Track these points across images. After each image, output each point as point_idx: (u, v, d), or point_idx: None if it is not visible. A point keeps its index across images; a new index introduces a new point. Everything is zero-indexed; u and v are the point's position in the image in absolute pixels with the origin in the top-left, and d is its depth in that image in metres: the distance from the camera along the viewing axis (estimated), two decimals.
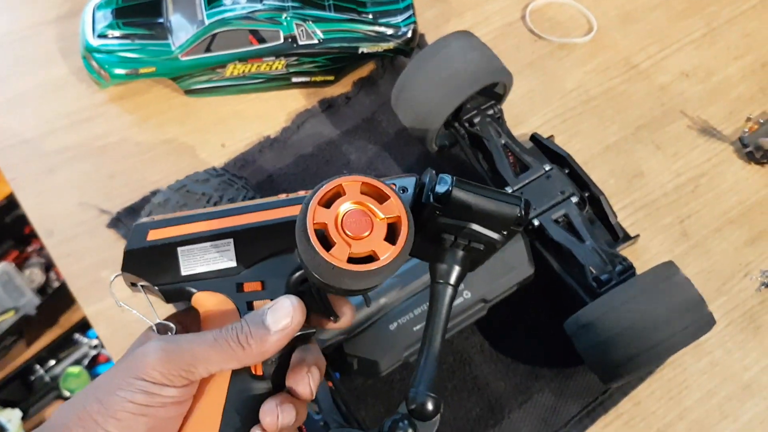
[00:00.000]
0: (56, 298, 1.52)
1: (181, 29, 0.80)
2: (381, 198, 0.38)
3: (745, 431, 0.71)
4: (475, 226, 0.41)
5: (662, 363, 0.72)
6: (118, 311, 0.74)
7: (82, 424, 0.38)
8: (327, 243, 0.36)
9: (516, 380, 0.72)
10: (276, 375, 0.42)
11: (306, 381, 0.42)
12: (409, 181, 0.41)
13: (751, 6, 0.97)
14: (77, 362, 1.56)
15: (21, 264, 1.56)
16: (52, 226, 0.78)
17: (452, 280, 0.42)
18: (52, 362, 1.55)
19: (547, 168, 0.72)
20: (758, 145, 0.83)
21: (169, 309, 0.67)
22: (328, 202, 0.37)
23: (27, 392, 1.52)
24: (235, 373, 0.41)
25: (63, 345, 1.56)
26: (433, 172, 0.41)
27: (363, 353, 0.65)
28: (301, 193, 0.44)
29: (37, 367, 1.54)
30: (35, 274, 1.56)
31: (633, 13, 0.95)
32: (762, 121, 0.84)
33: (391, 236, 0.37)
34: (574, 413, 0.71)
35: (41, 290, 1.54)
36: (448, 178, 0.40)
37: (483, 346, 0.73)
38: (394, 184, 0.41)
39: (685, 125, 0.87)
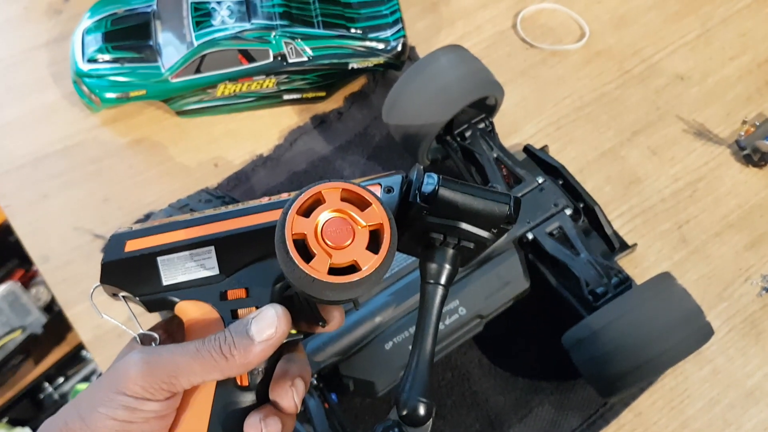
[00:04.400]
0: (63, 316, 1.52)
1: (171, 51, 0.80)
2: (362, 204, 0.36)
3: None
4: (464, 225, 0.40)
5: (661, 375, 0.71)
6: (115, 336, 0.74)
7: None
8: (307, 253, 0.35)
9: (516, 394, 0.71)
10: (262, 385, 0.41)
11: (290, 394, 0.40)
12: (395, 180, 0.40)
13: (746, 5, 0.96)
14: (85, 379, 1.57)
15: (27, 283, 1.56)
16: (48, 251, 0.78)
17: (443, 280, 0.41)
18: (61, 380, 1.56)
19: (540, 180, 0.72)
20: (755, 147, 0.82)
21: (157, 317, 0.67)
22: (307, 211, 0.36)
23: (36, 410, 1.53)
24: (220, 384, 0.40)
25: (71, 362, 1.56)
26: (421, 168, 0.40)
27: (359, 374, 0.64)
28: (284, 195, 0.42)
29: (46, 384, 1.54)
30: (41, 293, 1.56)
31: (626, 17, 0.94)
32: (758, 123, 0.83)
33: (374, 244, 0.36)
34: (575, 426, 0.70)
35: (47, 308, 1.54)
36: (434, 177, 0.39)
37: (481, 361, 0.73)
38: (379, 184, 0.40)
39: (681, 129, 0.86)
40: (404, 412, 0.38)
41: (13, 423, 1.48)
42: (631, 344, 0.60)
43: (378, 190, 0.40)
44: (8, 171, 0.83)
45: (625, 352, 0.60)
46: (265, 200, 0.42)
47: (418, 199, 0.39)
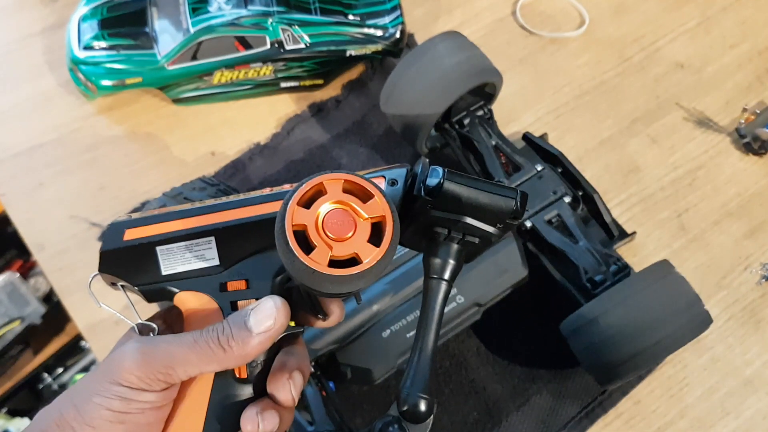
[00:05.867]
0: (62, 306, 1.51)
1: (167, 38, 0.79)
2: (365, 196, 0.35)
3: (748, 427, 0.70)
4: (469, 220, 0.39)
5: (659, 363, 0.71)
6: (112, 324, 0.74)
7: (59, 431, 0.37)
8: (307, 245, 0.34)
9: (513, 383, 0.71)
10: (260, 378, 0.40)
11: (287, 388, 0.40)
12: (400, 173, 0.39)
13: None
14: (85, 369, 1.57)
15: (26, 273, 1.56)
16: (43, 240, 0.78)
17: (447, 275, 0.40)
18: (60, 370, 1.55)
19: (539, 168, 0.71)
20: (756, 135, 0.81)
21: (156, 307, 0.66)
22: (308, 202, 0.35)
23: (36, 401, 1.53)
24: (217, 376, 0.39)
25: (70, 352, 1.56)
26: (426, 161, 0.39)
27: (356, 362, 0.64)
28: (286, 186, 0.41)
29: (45, 375, 1.54)
30: (40, 283, 1.55)
31: (625, 4, 0.94)
32: (759, 111, 0.82)
33: (376, 237, 0.35)
34: (573, 414, 0.70)
35: (46, 298, 1.54)
36: (439, 170, 0.38)
37: (479, 349, 0.73)
38: (383, 177, 0.39)
39: (680, 117, 0.86)
40: (405, 408, 0.38)
41: (12, 413, 1.48)
42: (630, 332, 0.60)
43: (382, 183, 0.39)
44: (4, 159, 0.82)
45: (624, 340, 0.60)
46: (266, 191, 0.42)
47: (422, 192, 0.38)
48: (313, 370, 0.64)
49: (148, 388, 0.37)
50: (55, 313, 1.50)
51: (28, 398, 1.52)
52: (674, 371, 0.72)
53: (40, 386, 1.54)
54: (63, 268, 0.76)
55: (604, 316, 0.61)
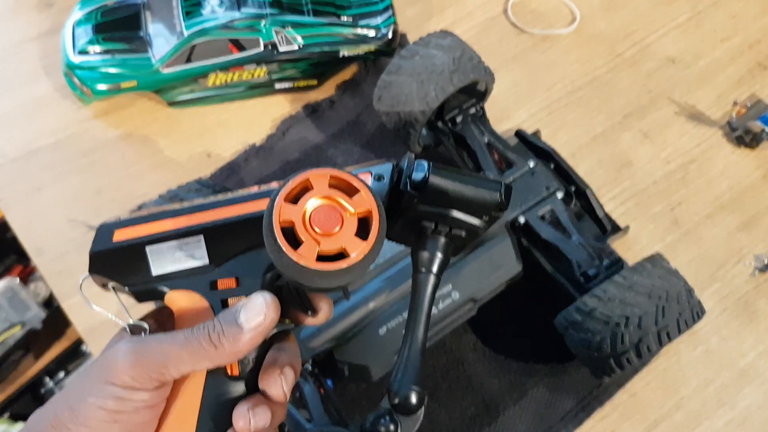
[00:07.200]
0: (62, 311, 1.52)
1: (161, 42, 0.80)
2: (351, 191, 0.36)
3: (743, 418, 0.70)
4: (456, 213, 0.40)
5: (654, 355, 0.71)
6: (111, 327, 0.74)
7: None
8: (295, 241, 0.35)
9: (510, 377, 0.72)
10: (252, 375, 0.41)
11: (278, 383, 0.40)
12: (386, 168, 0.40)
13: None
14: None
15: (26, 278, 1.56)
16: (42, 244, 0.78)
17: (434, 268, 0.41)
18: (62, 374, 1.56)
19: (532, 164, 0.72)
20: (747, 128, 0.82)
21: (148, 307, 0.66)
22: (295, 198, 0.36)
23: (38, 405, 1.51)
24: (210, 373, 0.40)
25: (71, 356, 1.56)
26: (412, 156, 0.40)
27: (353, 359, 0.65)
28: (274, 184, 0.42)
29: (47, 379, 1.54)
30: (40, 288, 1.56)
31: (616, 0, 0.94)
32: (750, 104, 0.83)
33: (363, 231, 0.36)
34: (569, 408, 0.70)
35: (47, 303, 1.54)
36: (425, 164, 0.39)
37: (476, 344, 0.73)
38: (369, 172, 0.40)
39: (672, 111, 0.86)
40: (396, 401, 0.39)
41: (15, 418, 1.49)
42: (624, 324, 0.61)
43: (368, 178, 0.40)
44: (1, 165, 0.83)
45: (618, 333, 0.61)
46: (254, 189, 0.42)
47: (408, 186, 0.39)
48: (310, 368, 0.65)
49: (141, 387, 0.37)
50: (55, 318, 1.50)
51: (30, 403, 1.53)
52: (669, 364, 0.73)
53: (42, 391, 1.54)
54: (62, 271, 0.77)
55: (598, 309, 0.62)
